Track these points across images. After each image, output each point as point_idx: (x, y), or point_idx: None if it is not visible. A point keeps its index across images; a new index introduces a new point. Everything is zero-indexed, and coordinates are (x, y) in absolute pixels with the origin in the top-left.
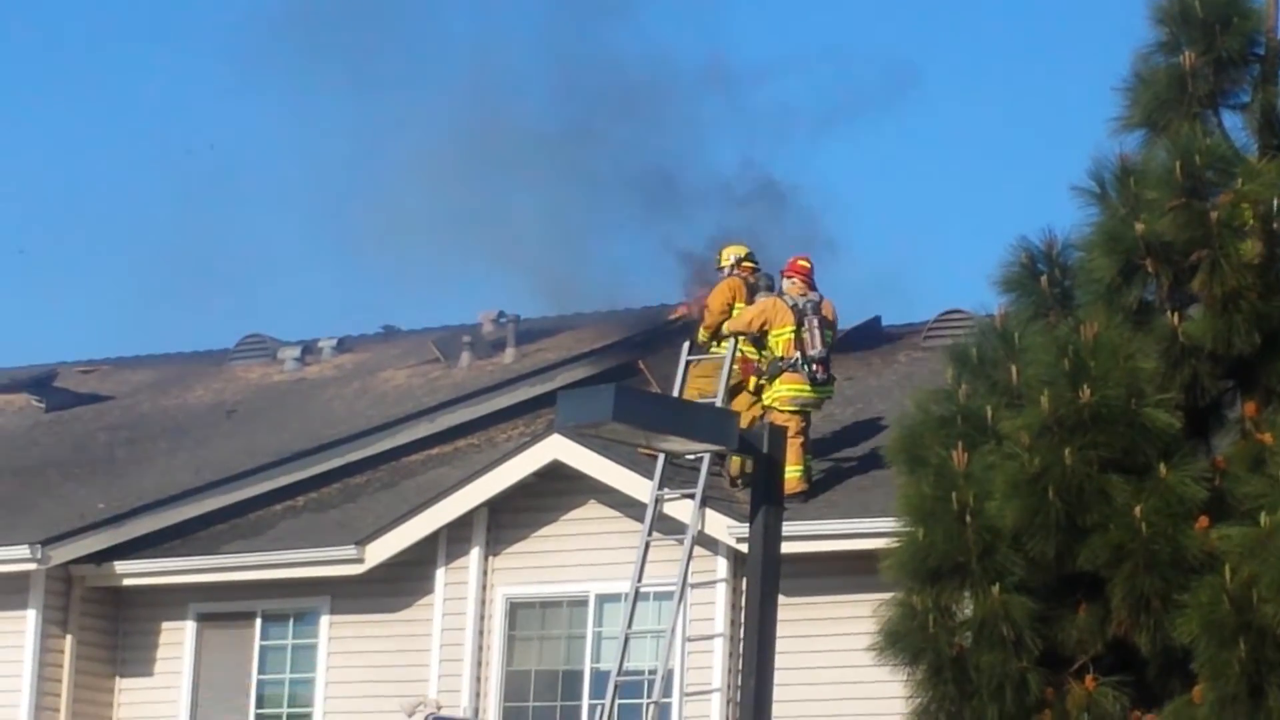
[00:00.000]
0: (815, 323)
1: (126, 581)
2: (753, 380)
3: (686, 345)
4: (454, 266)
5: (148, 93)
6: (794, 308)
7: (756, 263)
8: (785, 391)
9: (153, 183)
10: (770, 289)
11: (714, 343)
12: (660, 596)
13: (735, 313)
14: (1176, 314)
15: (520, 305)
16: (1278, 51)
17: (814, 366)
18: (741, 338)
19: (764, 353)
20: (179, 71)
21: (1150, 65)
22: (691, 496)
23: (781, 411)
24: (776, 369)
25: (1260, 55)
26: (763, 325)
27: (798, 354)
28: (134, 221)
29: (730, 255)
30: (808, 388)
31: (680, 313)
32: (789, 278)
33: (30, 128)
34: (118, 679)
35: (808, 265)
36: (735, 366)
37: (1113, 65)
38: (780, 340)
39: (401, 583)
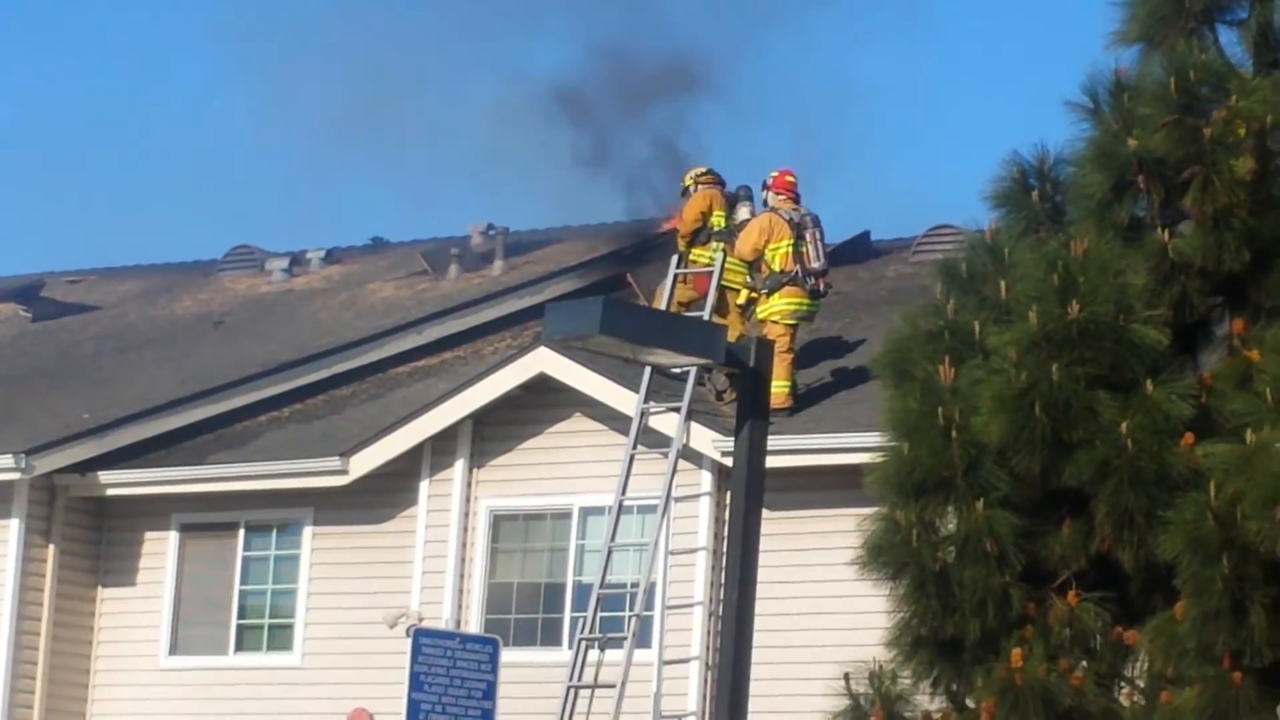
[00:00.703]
0: (817, 235)
1: (110, 491)
2: (744, 293)
3: (674, 259)
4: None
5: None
6: (791, 221)
7: (717, 175)
8: (784, 305)
9: (149, 93)
10: (749, 198)
11: (689, 251)
12: (644, 510)
13: (715, 220)
14: (1167, 230)
15: (509, 218)
16: None
17: (815, 279)
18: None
19: (757, 272)
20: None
21: None
22: (677, 410)
23: (777, 324)
24: (776, 282)
25: None
26: (766, 243)
27: (797, 267)
28: (121, 130)
29: (690, 175)
30: (806, 301)
31: (668, 226)
32: (776, 192)
33: (20, 33)
34: (100, 589)
35: (793, 179)
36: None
37: None
38: (777, 254)
39: (385, 494)
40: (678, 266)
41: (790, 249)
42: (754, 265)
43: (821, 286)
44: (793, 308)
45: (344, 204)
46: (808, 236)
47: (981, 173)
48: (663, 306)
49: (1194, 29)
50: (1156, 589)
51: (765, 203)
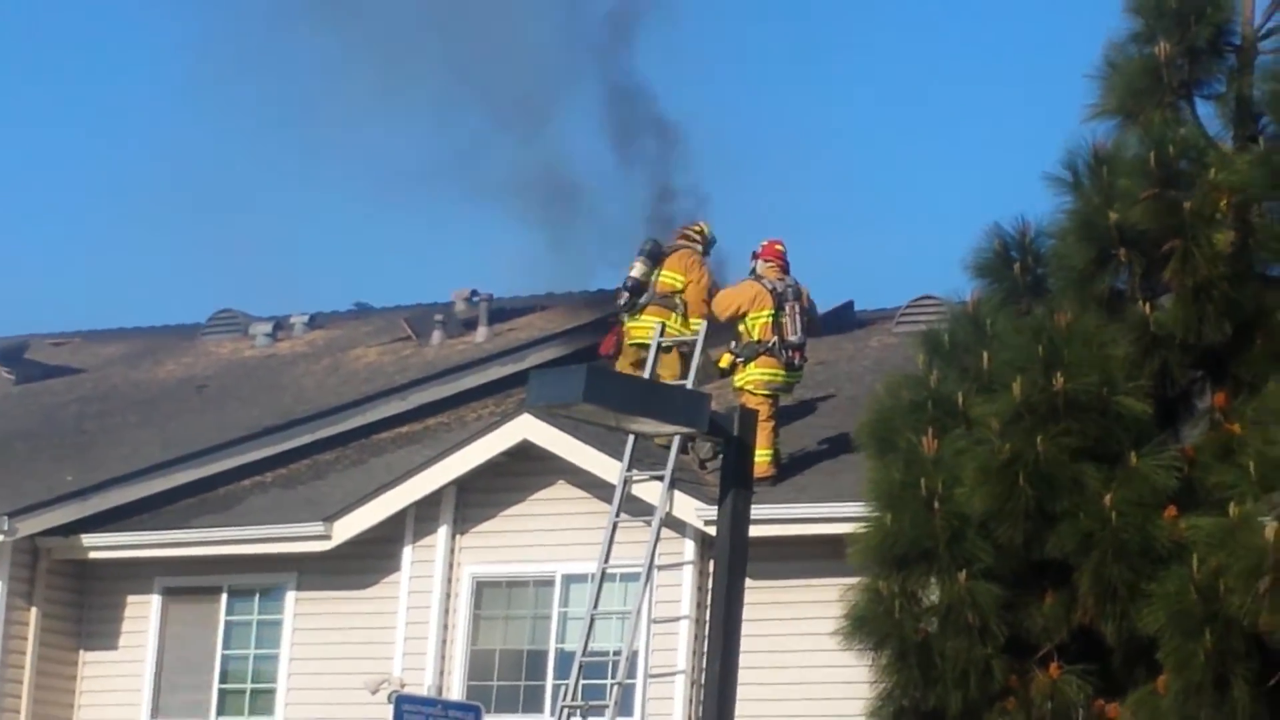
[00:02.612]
0: (796, 308)
1: (93, 554)
2: (728, 359)
3: (659, 327)
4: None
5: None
6: (773, 291)
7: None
8: (759, 375)
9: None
10: (652, 255)
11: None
12: (627, 578)
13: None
14: (1148, 303)
15: (493, 284)
16: (1253, 42)
17: (791, 352)
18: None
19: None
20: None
21: (1124, 54)
22: (660, 478)
23: (754, 394)
24: (753, 351)
25: (1235, 45)
26: (746, 310)
27: (775, 338)
28: (110, 194)
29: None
30: (782, 372)
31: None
32: (765, 260)
33: (10, 98)
34: (82, 652)
35: (782, 249)
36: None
37: (1086, 53)
38: (757, 323)
39: (368, 560)
40: (661, 335)
41: (770, 319)
42: (732, 329)
43: (797, 360)
44: (767, 378)
45: (331, 267)
46: (787, 309)
47: (964, 244)
48: (646, 375)
49: (1171, 102)
50: (1139, 662)
51: (753, 271)
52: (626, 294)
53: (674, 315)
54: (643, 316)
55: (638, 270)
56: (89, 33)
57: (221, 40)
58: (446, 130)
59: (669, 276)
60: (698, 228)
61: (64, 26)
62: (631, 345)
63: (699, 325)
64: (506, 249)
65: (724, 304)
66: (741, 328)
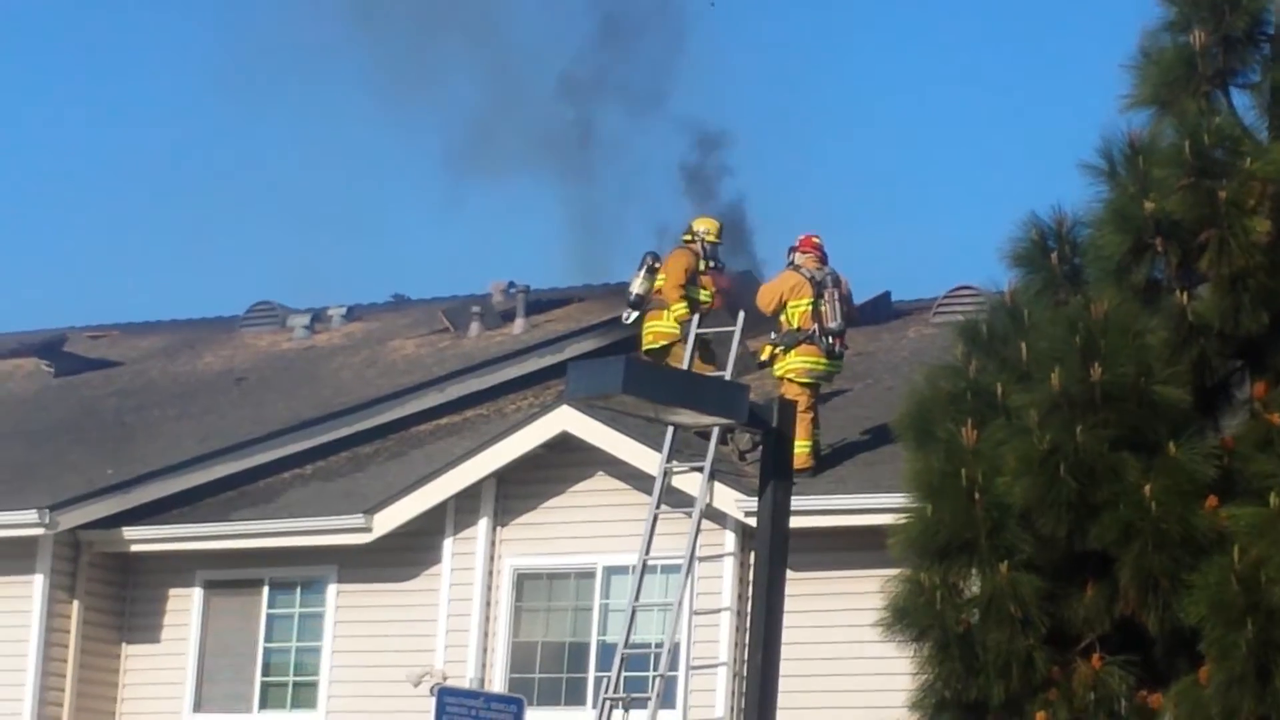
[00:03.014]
0: (835, 295)
1: (134, 548)
2: (767, 350)
3: (695, 318)
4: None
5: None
6: (812, 280)
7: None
8: (800, 363)
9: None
10: (651, 269)
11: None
12: (668, 569)
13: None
14: (1185, 293)
15: (531, 275)
16: None
17: (831, 340)
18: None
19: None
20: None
21: (1158, 43)
22: (700, 470)
23: (794, 383)
24: (793, 339)
25: (1269, 34)
26: (786, 299)
27: (815, 326)
28: (149, 184)
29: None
30: (823, 361)
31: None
32: (803, 251)
33: (50, 93)
34: (124, 645)
35: (819, 241)
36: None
37: (1122, 42)
38: (797, 312)
39: (409, 552)
40: (698, 327)
41: (810, 307)
42: (774, 320)
43: (838, 347)
44: (808, 366)
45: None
46: (826, 295)
47: (1001, 234)
48: (685, 365)
49: (1206, 92)
50: (1181, 653)
51: (793, 263)
52: (630, 310)
53: (664, 313)
54: (645, 324)
55: (637, 285)
56: (124, 27)
57: (251, 32)
58: (467, 101)
59: (661, 279)
60: (696, 227)
61: (98, 21)
62: (645, 352)
63: (680, 312)
64: (534, 233)
65: (766, 297)
66: (782, 317)
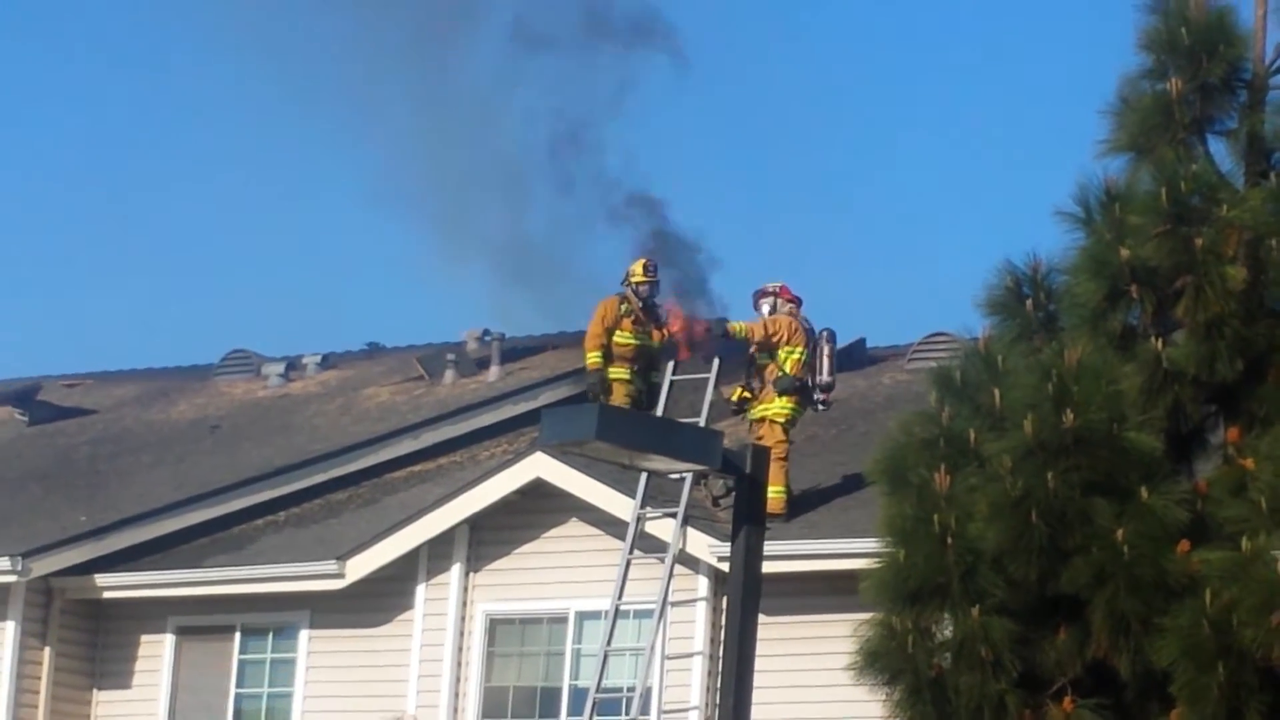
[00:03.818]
0: (828, 351)
1: (106, 594)
2: (738, 391)
3: (670, 365)
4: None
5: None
6: (808, 330)
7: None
8: (784, 408)
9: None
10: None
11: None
12: (640, 614)
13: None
14: (1160, 339)
15: (506, 324)
16: (1264, 79)
17: (821, 394)
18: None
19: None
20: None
21: (1136, 90)
22: (673, 515)
23: (777, 424)
24: (789, 385)
25: (1246, 82)
26: (776, 339)
27: (807, 377)
28: (119, 236)
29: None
30: (801, 408)
31: (662, 334)
32: (786, 300)
33: (22, 139)
34: (95, 691)
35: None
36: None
37: (1099, 90)
38: (790, 358)
39: (382, 598)
40: (674, 374)
41: (803, 357)
42: (752, 359)
43: (826, 400)
44: (792, 413)
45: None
46: (825, 351)
47: (976, 281)
48: (659, 411)
49: (1183, 139)
50: (1153, 696)
51: (771, 310)
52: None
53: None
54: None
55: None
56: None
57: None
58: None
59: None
60: (630, 269)
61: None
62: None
63: (591, 361)
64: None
65: (770, 329)
66: (771, 361)
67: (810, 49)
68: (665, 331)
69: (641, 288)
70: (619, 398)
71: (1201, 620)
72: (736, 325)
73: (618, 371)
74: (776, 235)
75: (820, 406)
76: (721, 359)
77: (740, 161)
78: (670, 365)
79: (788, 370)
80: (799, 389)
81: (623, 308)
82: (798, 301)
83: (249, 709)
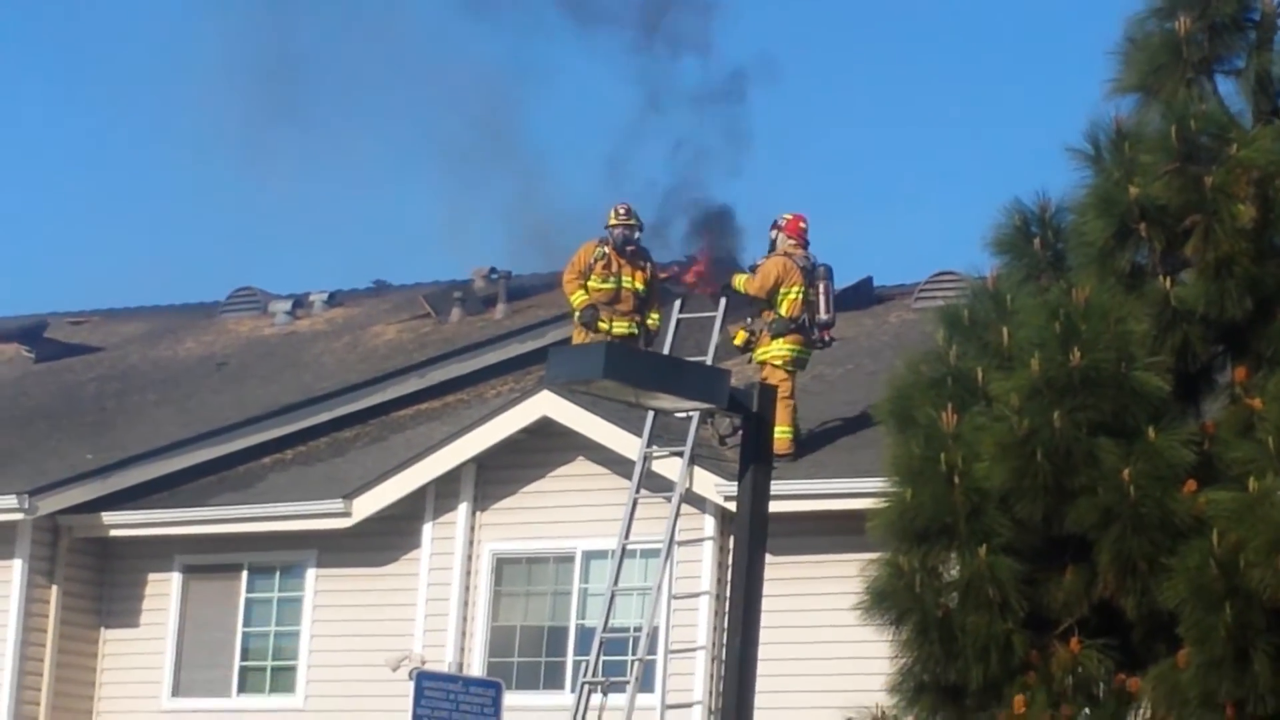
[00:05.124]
0: (828, 288)
1: (113, 532)
2: (742, 335)
3: (677, 303)
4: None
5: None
6: (804, 269)
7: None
8: (785, 350)
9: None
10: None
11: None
12: (647, 554)
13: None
14: (1169, 278)
15: (512, 261)
16: (1273, 17)
17: (820, 331)
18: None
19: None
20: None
21: (1144, 30)
22: (680, 454)
23: (777, 368)
24: (784, 327)
25: (1255, 21)
26: (779, 285)
27: (805, 316)
28: (126, 172)
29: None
30: (805, 349)
31: (670, 272)
32: (788, 235)
33: (27, 79)
34: (103, 630)
35: (805, 225)
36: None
37: (1109, 28)
38: (787, 299)
39: (388, 537)
40: (681, 312)
41: (800, 296)
42: (758, 306)
43: (826, 338)
44: (793, 353)
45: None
46: (820, 288)
47: (984, 219)
48: (665, 350)
49: (1192, 78)
50: (1159, 636)
51: (774, 243)
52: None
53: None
54: None
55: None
56: (101, 15)
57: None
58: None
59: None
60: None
61: (75, 16)
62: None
63: (577, 300)
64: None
65: (762, 282)
66: (768, 307)
67: None
68: (649, 272)
69: (615, 231)
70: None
71: (1208, 561)
72: (738, 280)
73: (603, 321)
74: (787, 174)
75: (821, 344)
76: (729, 299)
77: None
78: (677, 304)
79: (783, 312)
80: (794, 329)
81: (596, 252)
82: (803, 235)
83: (256, 647)
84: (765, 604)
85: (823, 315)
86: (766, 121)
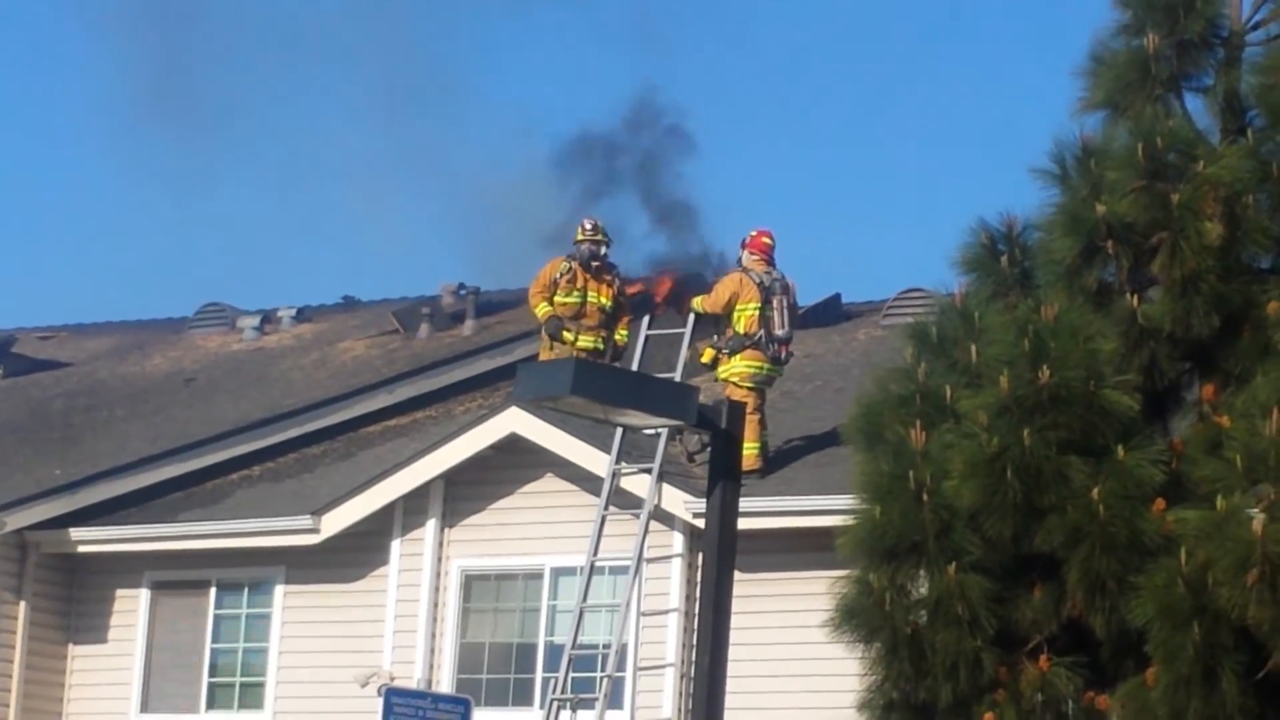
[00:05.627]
0: (784, 302)
1: (81, 548)
2: (709, 352)
3: (645, 320)
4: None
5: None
6: (760, 284)
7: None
8: (744, 368)
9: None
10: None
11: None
12: (616, 570)
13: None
14: (1136, 296)
15: (480, 277)
16: (1241, 35)
17: (777, 346)
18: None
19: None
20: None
21: (1112, 47)
22: (649, 471)
23: (739, 387)
24: (739, 344)
25: (1223, 38)
26: (731, 301)
27: (761, 331)
28: (95, 187)
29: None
30: (766, 365)
31: (637, 289)
32: (751, 252)
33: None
34: (71, 646)
35: (770, 242)
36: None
37: (1076, 47)
38: (743, 315)
39: (357, 553)
40: (649, 328)
41: (756, 312)
42: (719, 323)
43: (784, 354)
44: (752, 370)
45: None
46: (775, 303)
47: (952, 237)
48: (634, 367)
49: (1160, 95)
50: (1128, 654)
51: (739, 261)
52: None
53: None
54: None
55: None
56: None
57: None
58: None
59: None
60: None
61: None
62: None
63: (540, 311)
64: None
65: (716, 299)
66: (729, 324)
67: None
68: (616, 287)
69: (582, 246)
70: (563, 353)
71: (1177, 579)
72: (697, 301)
73: (568, 332)
74: (755, 190)
75: (779, 361)
76: (696, 318)
77: (725, 116)
78: (645, 320)
79: (740, 328)
80: (750, 345)
81: (562, 267)
82: (766, 251)
83: (224, 664)
84: (734, 621)
85: (778, 331)
86: (733, 138)
